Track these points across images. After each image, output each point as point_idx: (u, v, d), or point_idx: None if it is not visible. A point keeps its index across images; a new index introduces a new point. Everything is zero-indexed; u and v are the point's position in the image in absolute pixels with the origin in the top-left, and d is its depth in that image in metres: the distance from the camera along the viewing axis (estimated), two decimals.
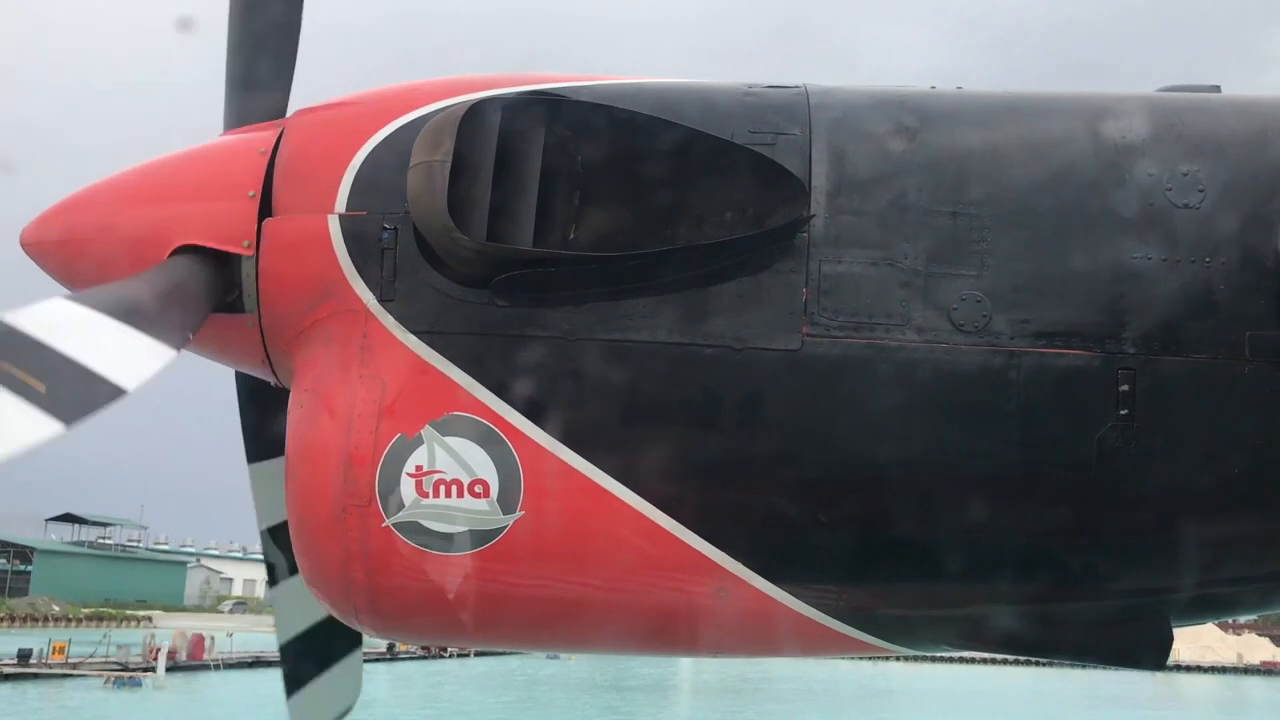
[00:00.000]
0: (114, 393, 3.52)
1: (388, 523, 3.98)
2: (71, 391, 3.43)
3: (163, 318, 3.89)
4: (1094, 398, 3.98)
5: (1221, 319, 4.01)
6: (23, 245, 4.65)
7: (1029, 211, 4.13)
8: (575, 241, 4.11)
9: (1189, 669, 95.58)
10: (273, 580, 5.32)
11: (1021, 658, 4.91)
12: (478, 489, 3.98)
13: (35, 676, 62.56)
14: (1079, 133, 4.26)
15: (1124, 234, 4.07)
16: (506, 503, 3.98)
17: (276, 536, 5.04)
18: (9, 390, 3.28)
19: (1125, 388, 3.97)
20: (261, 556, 5.42)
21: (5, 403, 3.25)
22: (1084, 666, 4.68)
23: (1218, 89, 4.75)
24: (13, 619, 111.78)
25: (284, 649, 5.35)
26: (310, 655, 5.30)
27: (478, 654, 74.06)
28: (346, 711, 5.47)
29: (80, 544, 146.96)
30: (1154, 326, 4.00)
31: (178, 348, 3.86)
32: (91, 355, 3.54)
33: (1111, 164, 4.17)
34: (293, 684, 5.31)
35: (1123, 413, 3.96)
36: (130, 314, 3.79)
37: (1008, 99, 4.50)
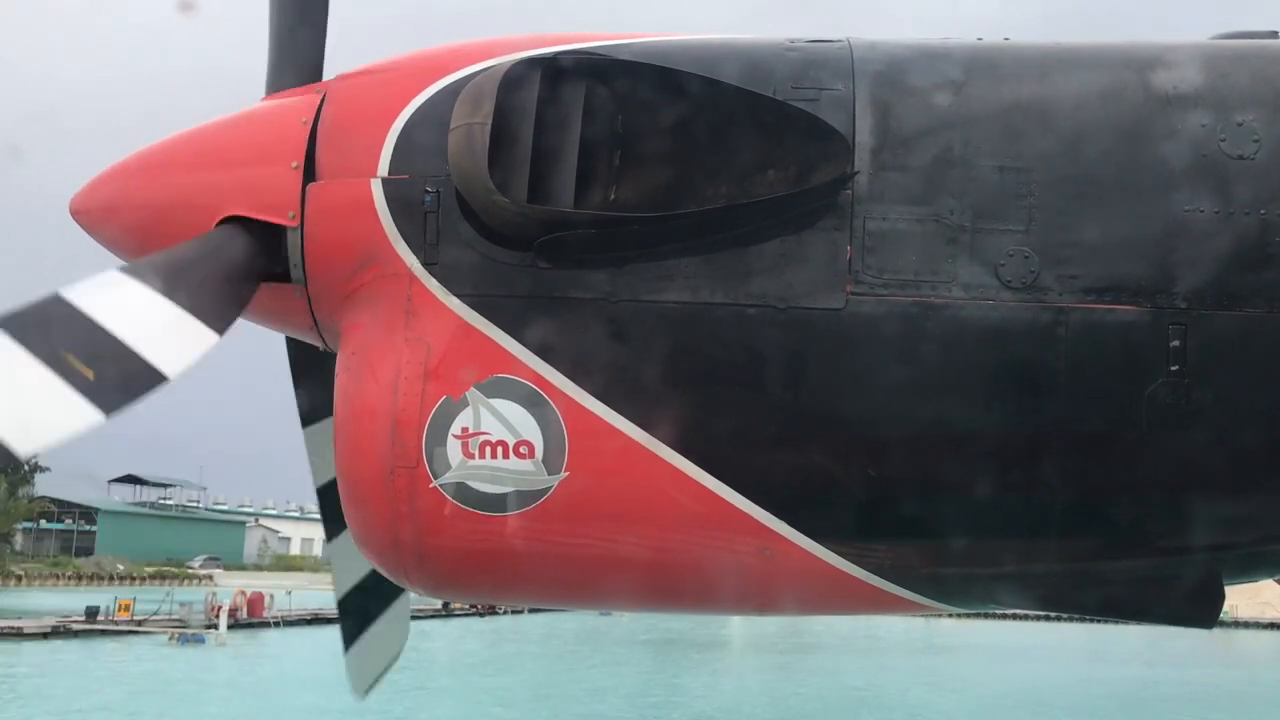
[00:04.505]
0: (156, 379, 3.74)
1: (435, 484, 4.03)
2: (117, 379, 3.66)
3: (211, 299, 4.04)
4: (1144, 353, 3.92)
5: (1276, 272, 3.92)
6: (71, 213, 4.73)
7: (1077, 165, 4.05)
8: (617, 202, 4.10)
9: (1248, 625, 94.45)
10: (330, 536, 5.44)
11: (1073, 615, 4.90)
12: (523, 450, 4.01)
13: (103, 633, 64.35)
14: (1129, 83, 4.16)
15: (1175, 186, 3.98)
16: (551, 463, 4.01)
17: (327, 495, 5.15)
18: (61, 377, 3.55)
19: (1176, 343, 3.90)
20: (319, 516, 5.55)
21: (55, 391, 3.53)
22: (1134, 624, 4.63)
23: (1275, 35, 4.61)
24: (80, 577, 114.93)
25: (341, 603, 5.52)
26: (365, 606, 5.48)
27: (531, 611, 75.19)
28: (396, 657, 5.71)
29: (142, 504, 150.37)
30: (1206, 281, 3.93)
31: (221, 332, 4.02)
32: (141, 339, 3.74)
33: (1162, 115, 4.07)
34: (351, 636, 5.51)
35: (1174, 368, 3.90)
36: (181, 293, 3.96)
37: (1056, 50, 4.41)
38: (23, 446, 3.49)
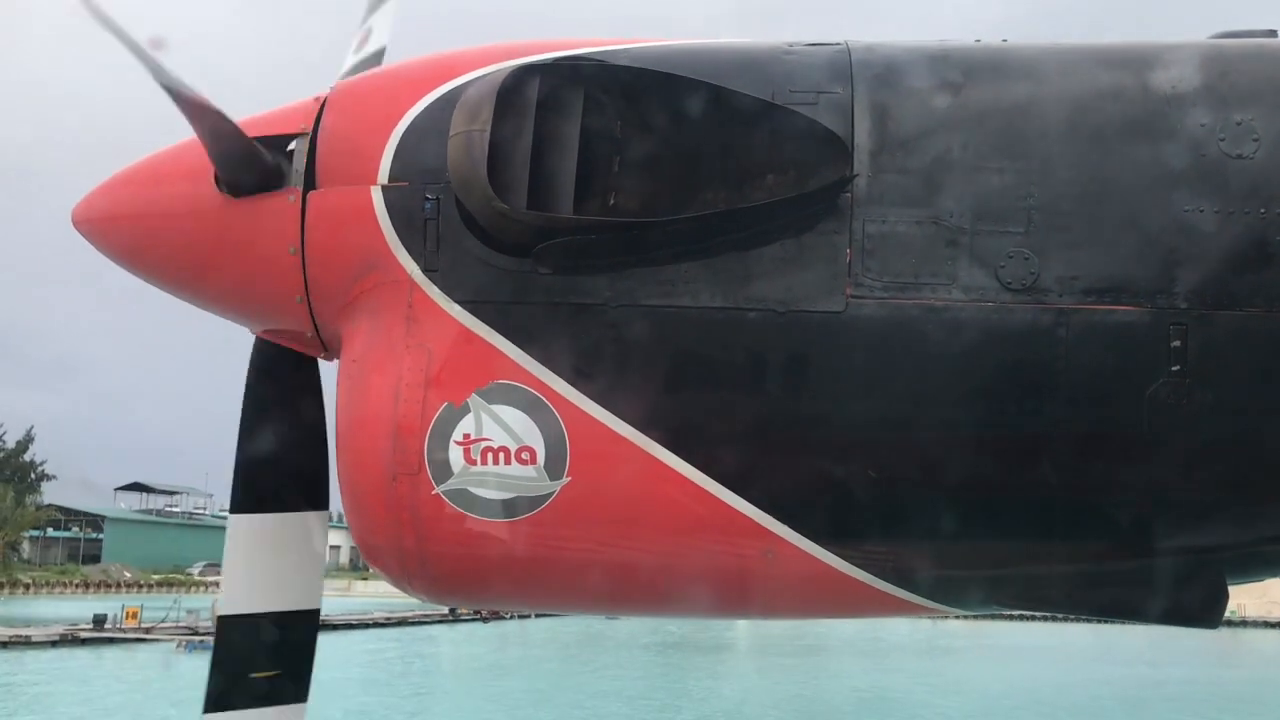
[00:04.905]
0: (314, 621, 4.67)
1: (437, 490, 4.03)
2: (290, 654, 4.59)
3: (307, 482, 4.66)
4: (1145, 354, 3.92)
5: (1277, 271, 3.92)
6: (74, 223, 4.75)
7: (1076, 166, 4.05)
8: (616, 207, 4.11)
9: (1255, 624, 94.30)
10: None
11: (1077, 616, 4.89)
12: (524, 455, 4.02)
13: (111, 641, 64.40)
14: (1128, 84, 4.16)
15: (1175, 186, 3.98)
16: (553, 469, 4.01)
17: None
18: (261, 702, 4.40)
19: (1177, 343, 3.90)
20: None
21: None
22: (1137, 625, 4.63)
23: (1274, 34, 4.61)
24: (87, 585, 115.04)
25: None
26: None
27: (537, 615, 75.25)
28: None
29: (148, 512, 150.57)
30: (1206, 280, 3.92)
31: (326, 504, 4.67)
32: (285, 596, 4.61)
33: (1161, 115, 4.07)
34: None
35: (1174, 368, 3.89)
36: (288, 499, 4.66)
37: (1054, 50, 4.41)
38: None
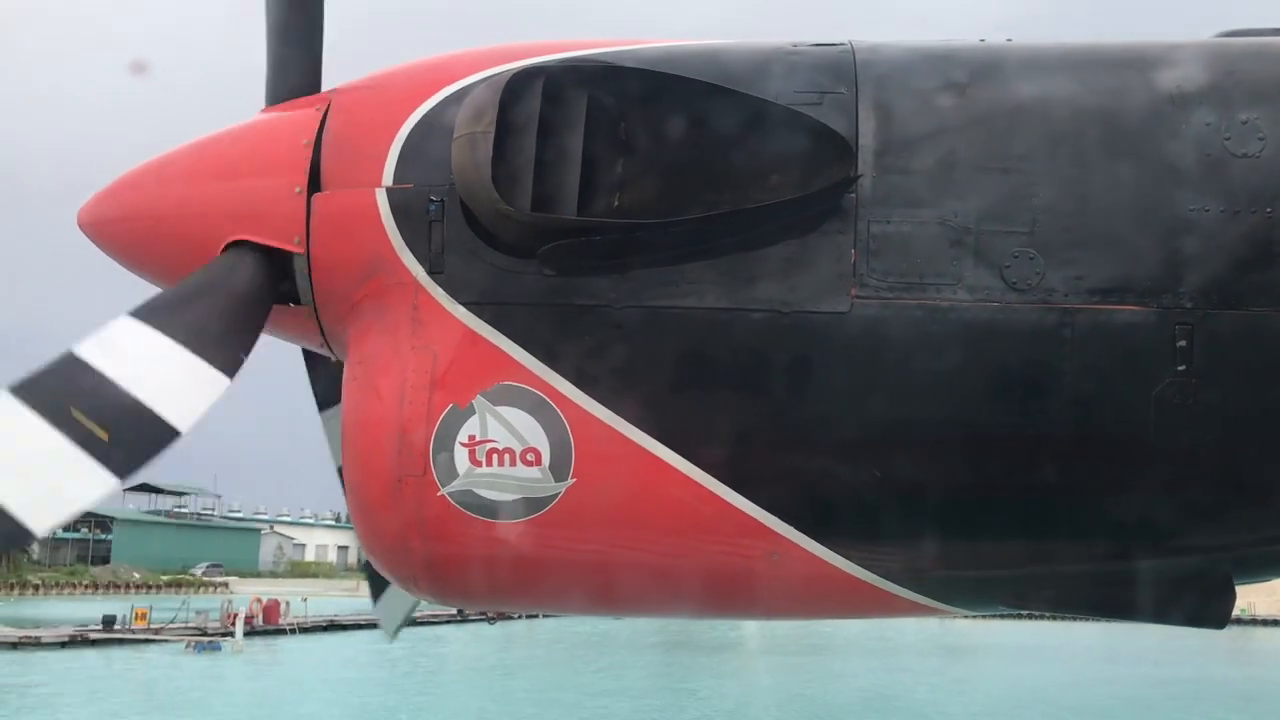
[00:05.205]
0: (170, 436, 3.96)
1: (443, 492, 4.04)
2: (131, 439, 3.88)
3: (223, 338, 4.19)
4: (1151, 354, 3.91)
5: None
6: (80, 225, 4.76)
7: (1082, 165, 4.04)
8: (620, 209, 4.10)
9: (1266, 623, 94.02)
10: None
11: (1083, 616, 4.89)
12: (529, 457, 4.02)
13: (120, 642, 64.50)
14: (1133, 83, 4.16)
15: (1180, 186, 3.97)
16: (558, 470, 4.02)
17: None
18: (76, 444, 3.75)
19: (1183, 343, 3.89)
20: (332, 523, 5.53)
21: (72, 460, 3.70)
22: (1143, 625, 4.62)
23: (1279, 32, 4.60)
24: (96, 586, 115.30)
25: (368, 562, 5.45)
26: None
27: (545, 616, 75.26)
28: (417, 604, 5.74)
29: (157, 513, 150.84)
30: (1212, 280, 3.92)
31: (233, 375, 4.18)
32: (152, 393, 3.94)
33: (1167, 114, 4.06)
34: (378, 589, 5.64)
35: (1180, 368, 3.89)
36: (192, 337, 4.12)
37: (1059, 50, 4.40)
38: (39, 525, 3.69)
